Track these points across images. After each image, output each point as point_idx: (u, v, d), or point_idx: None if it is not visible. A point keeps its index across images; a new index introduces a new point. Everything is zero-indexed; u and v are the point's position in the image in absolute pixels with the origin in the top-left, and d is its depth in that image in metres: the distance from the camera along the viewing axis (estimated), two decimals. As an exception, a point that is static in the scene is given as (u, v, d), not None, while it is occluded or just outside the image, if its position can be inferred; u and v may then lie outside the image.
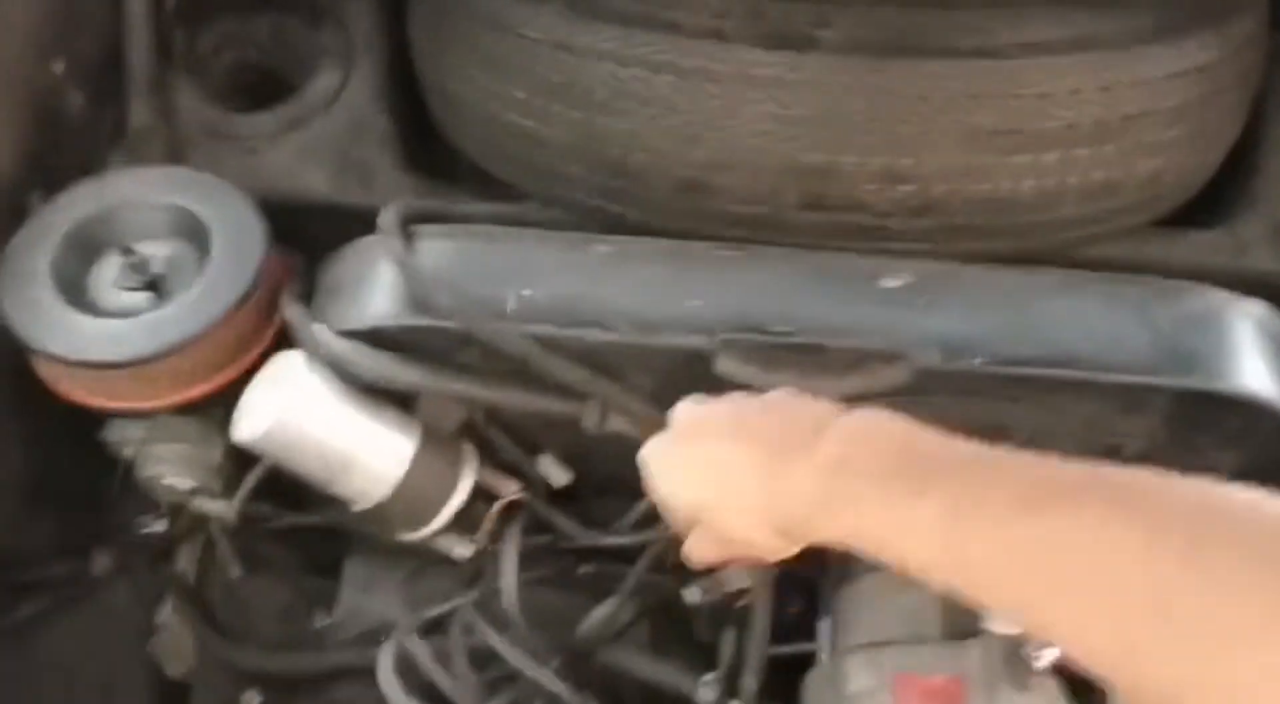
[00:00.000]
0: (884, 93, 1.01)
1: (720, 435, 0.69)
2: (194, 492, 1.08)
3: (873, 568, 1.00)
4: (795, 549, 0.68)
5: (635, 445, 1.00)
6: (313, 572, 1.34)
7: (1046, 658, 0.87)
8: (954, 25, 1.03)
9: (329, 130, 1.28)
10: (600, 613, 1.14)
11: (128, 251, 1.01)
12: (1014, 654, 0.90)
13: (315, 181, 1.25)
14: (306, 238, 1.18)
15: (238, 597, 1.35)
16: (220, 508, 1.09)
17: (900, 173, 1.03)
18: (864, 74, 1.00)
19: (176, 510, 1.23)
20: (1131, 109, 1.05)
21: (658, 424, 0.81)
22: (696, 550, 0.75)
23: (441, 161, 1.34)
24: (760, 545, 0.68)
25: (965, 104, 1.01)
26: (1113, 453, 0.97)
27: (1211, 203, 1.25)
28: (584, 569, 1.12)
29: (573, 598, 1.17)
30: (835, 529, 0.62)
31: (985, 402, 0.94)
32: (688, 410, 0.75)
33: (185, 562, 1.35)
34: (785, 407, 0.70)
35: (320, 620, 1.33)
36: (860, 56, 1.01)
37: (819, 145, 1.02)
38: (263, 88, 1.35)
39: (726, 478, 0.67)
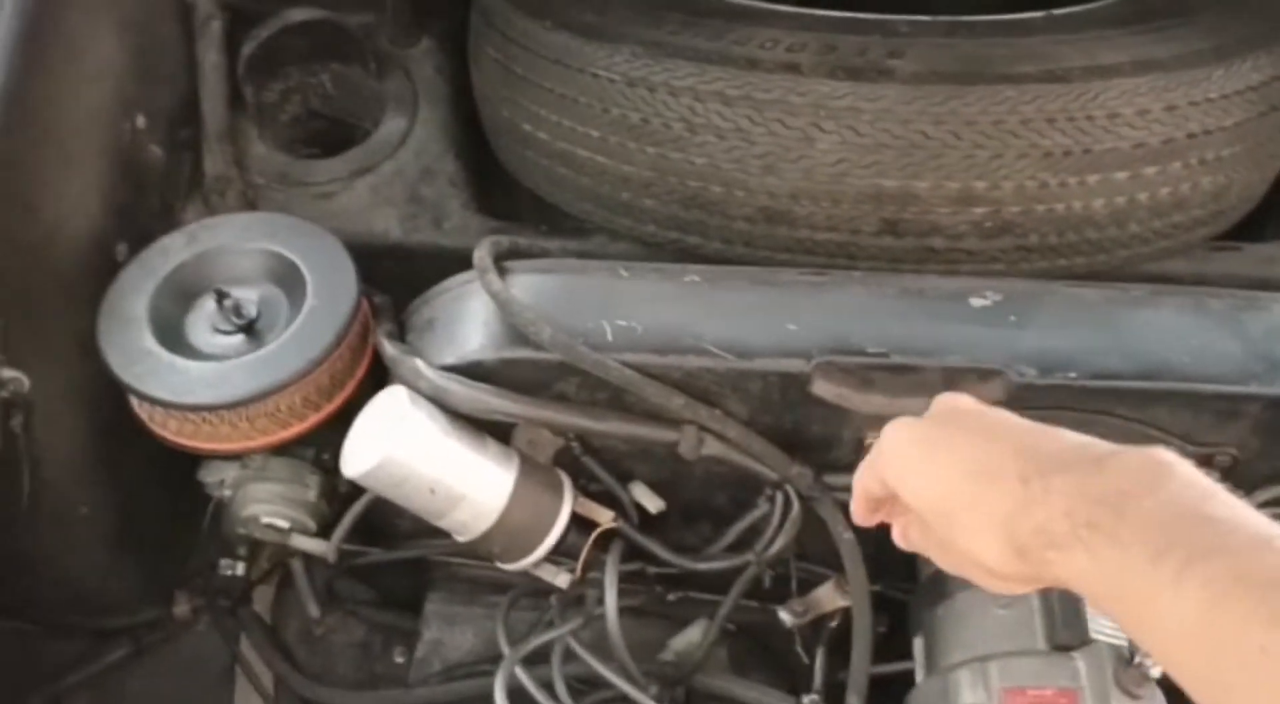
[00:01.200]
0: (958, 119, 1.03)
1: (989, 433, 0.59)
2: (290, 530, 1.09)
3: (966, 584, 1.01)
4: (1019, 586, 0.58)
5: (725, 470, 1.03)
6: (390, 608, 1.35)
7: (1159, 668, 0.88)
8: (1023, 52, 1.06)
9: (398, 173, 1.31)
10: (692, 636, 1.15)
11: (222, 295, 1.03)
12: (1123, 664, 0.91)
13: (387, 223, 1.28)
14: (378, 277, 1.20)
15: (315, 635, 1.36)
16: (318, 546, 1.10)
17: (975, 196, 1.05)
18: (938, 101, 1.03)
19: (255, 551, 1.25)
20: (1195, 127, 1.07)
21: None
22: (908, 541, 0.66)
23: (504, 201, 1.37)
24: (989, 563, 0.57)
25: (1039, 127, 1.04)
26: (1204, 463, 0.98)
27: (1269, 217, 1.28)
28: (673, 596, 1.13)
29: (661, 624, 1.18)
30: (1081, 573, 0.51)
31: (1078, 415, 0.95)
32: (954, 398, 0.65)
33: (262, 602, 1.36)
34: (1057, 430, 0.59)
35: (400, 656, 1.34)
36: (933, 84, 1.04)
37: (895, 172, 1.05)
38: (328, 136, 1.38)
39: (984, 477, 0.56)
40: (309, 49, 1.34)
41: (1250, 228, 1.23)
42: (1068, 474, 0.54)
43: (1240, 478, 1.00)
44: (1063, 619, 0.94)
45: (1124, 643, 0.92)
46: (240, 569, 1.29)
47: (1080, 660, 0.91)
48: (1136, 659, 0.89)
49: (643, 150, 1.11)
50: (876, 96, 1.03)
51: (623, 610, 1.15)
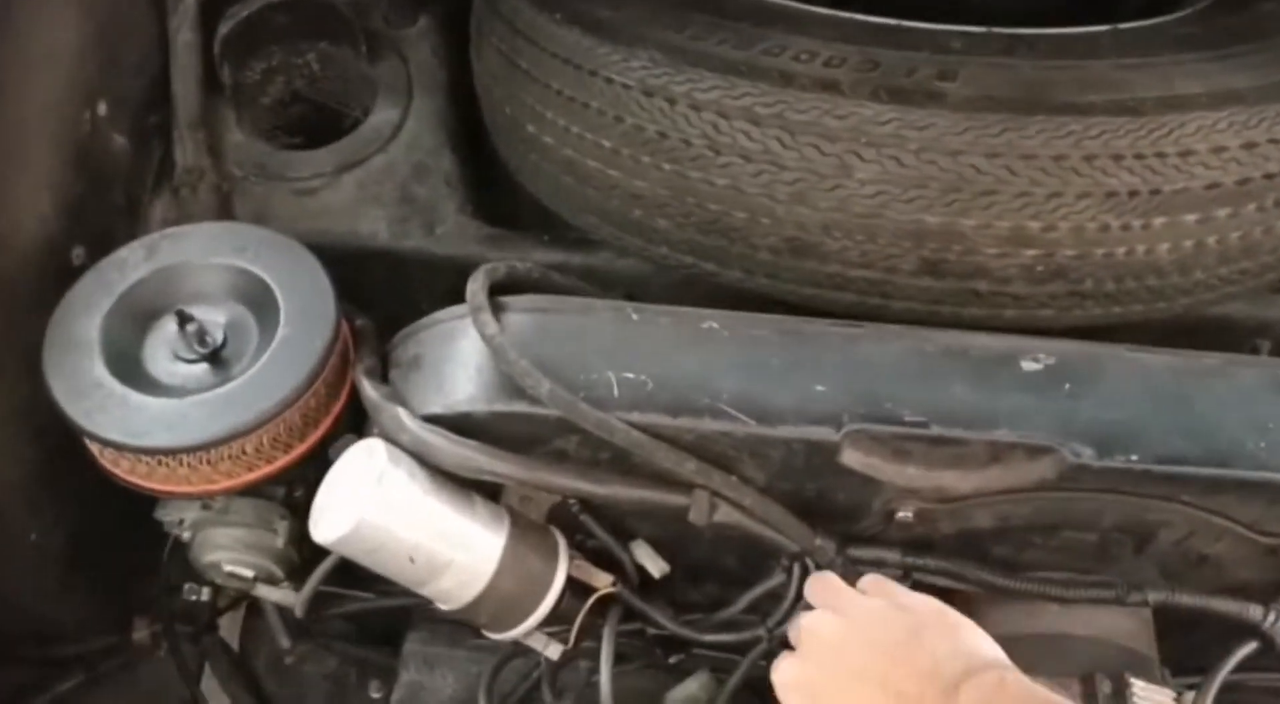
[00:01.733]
0: (1014, 152, 0.92)
1: (856, 675, 0.74)
2: (255, 579, 1.00)
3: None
4: None
5: (738, 535, 0.93)
6: (366, 643, 1.26)
7: None
8: (1090, 78, 0.94)
9: (388, 169, 1.20)
10: (691, 689, 1.06)
11: (185, 318, 0.92)
12: None
13: (374, 225, 1.17)
14: (360, 285, 1.10)
15: (286, 665, 1.27)
16: (285, 596, 1.00)
17: (1028, 237, 0.94)
18: (993, 132, 0.92)
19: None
20: (1275, 167, 0.96)
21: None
22: None
23: (504, 202, 1.26)
24: None
25: (1104, 164, 0.92)
26: (1273, 553, 0.88)
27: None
28: (674, 659, 1.03)
29: (658, 675, 1.09)
30: None
31: (1139, 500, 0.85)
32: (814, 627, 0.79)
33: (229, 630, 1.27)
34: (918, 639, 0.74)
35: (376, 691, 1.25)
36: (988, 112, 0.92)
37: (940, 207, 0.94)
38: (313, 124, 1.26)
39: None
40: (294, 26, 1.22)
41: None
42: None
43: (1308, 569, 0.91)
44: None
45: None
46: (206, 595, 1.19)
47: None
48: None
49: (658, 166, 0.99)
50: (924, 124, 0.92)
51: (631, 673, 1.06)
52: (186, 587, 1.19)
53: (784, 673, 0.78)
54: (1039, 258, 0.96)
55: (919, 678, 0.71)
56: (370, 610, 1.11)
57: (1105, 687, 0.86)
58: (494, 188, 1.25)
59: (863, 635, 0.76)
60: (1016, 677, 0.71)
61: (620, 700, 0.95)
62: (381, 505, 0.83)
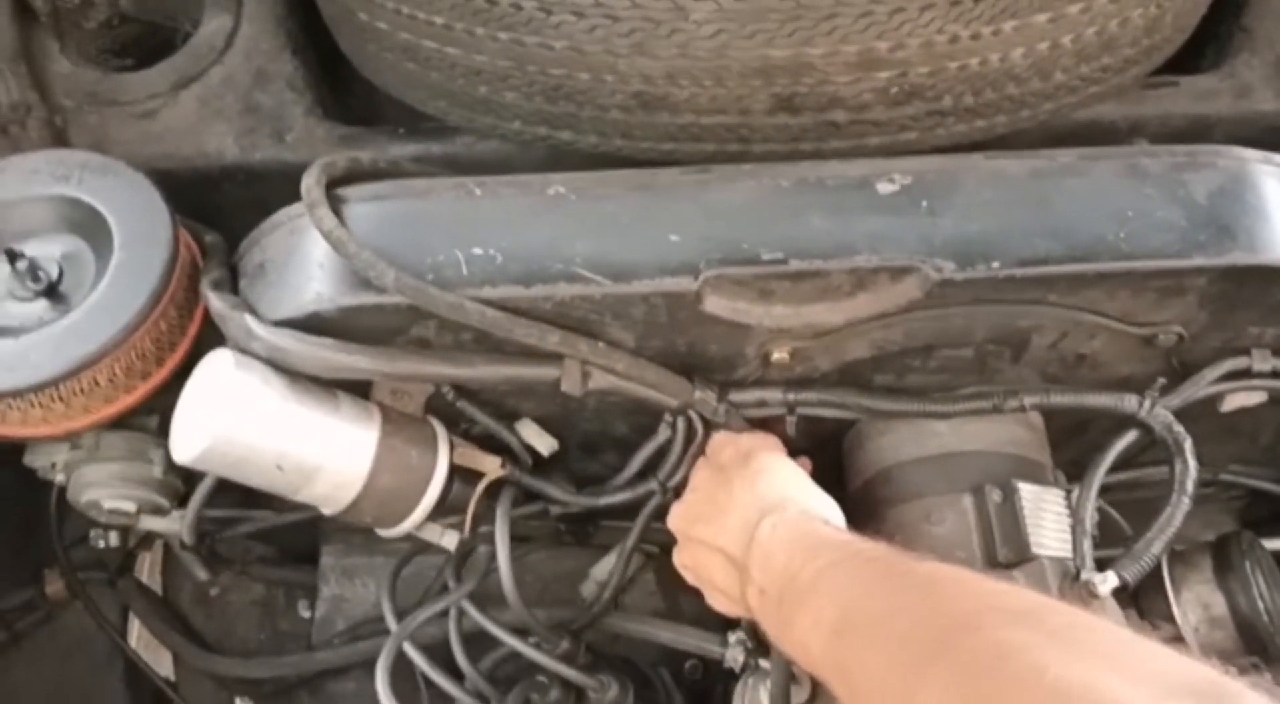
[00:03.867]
0: (850, -31, 0.88)
1: (699, 542, 0.85)
2: (139, 512, 0.97)
3: (897, 503, 0.92)
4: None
5: (620, 400, 0.91)
6: (287, 563, 1.25)
7: (1108, 585, 0.80)
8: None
9: (227, 80, 1.14)
10: (600, 570, 1.06)
11: (15, 256, 0.88)
12: (1069, 580, 0.82)
13: (220, 141, 1.12)
14: (217, 207, 1.06)
15: (210, 599, 1.26)
16: (171, 525, 0.98)
17: (877, 59, 0.91)
18: (824, -50, 0.88)
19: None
20: (1122, -48, 0.93)
21: None
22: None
23: (359, 103, 1.21)
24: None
25: (943, -29, 0.89)
26: (1149, 344, 0.88)
27: (1205, 45, 1.15)
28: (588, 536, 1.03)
29: (581, 553, 1.09)
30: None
31: (1008, 307, 0.84)
32: (677, 519, 0.89)
33: (147, 572, 1.25)
34: (728, 495, 0.84)
35: (306, 610, 1.24)
36: (817, -69, 0.88)
37: (784, 39, 0.90)
38: (144, 44, 1.20)
39: (714, 583, 0.85)
40: (104, -58, 1.15)
41: (1186, 59, 1.11)
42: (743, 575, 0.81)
43: (1188, 356, 0.90)
44: (1001, 535, 0.85)
45: (1068, 556, 0.83)
46: (114, 538, 1.17)
47: (1021, 578, 0.83)
48: (1084, 575, 0.81)
49: (494, 37, 0.95)
50: (753, -50, 0.88)
51: (537, 548, 1.05)
52: (93, 533, 1.16)
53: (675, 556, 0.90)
54: (892, 79, 0.93)
55: (732, 533, 0.81)
56: (271, 528, 1.09)
57: (995, 495, 0.86)
58: (348, 87, 1.20)
59: (693, 509, 0.87)
60: (798, 508, 0.80)
61: (545, 582, 0.95)
62: (235, 416, 0.80)
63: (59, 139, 1.11)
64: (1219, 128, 1.09)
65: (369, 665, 1.16)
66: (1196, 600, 0.89)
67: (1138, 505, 0.96)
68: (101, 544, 1.16)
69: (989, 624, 0.54)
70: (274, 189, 1.12)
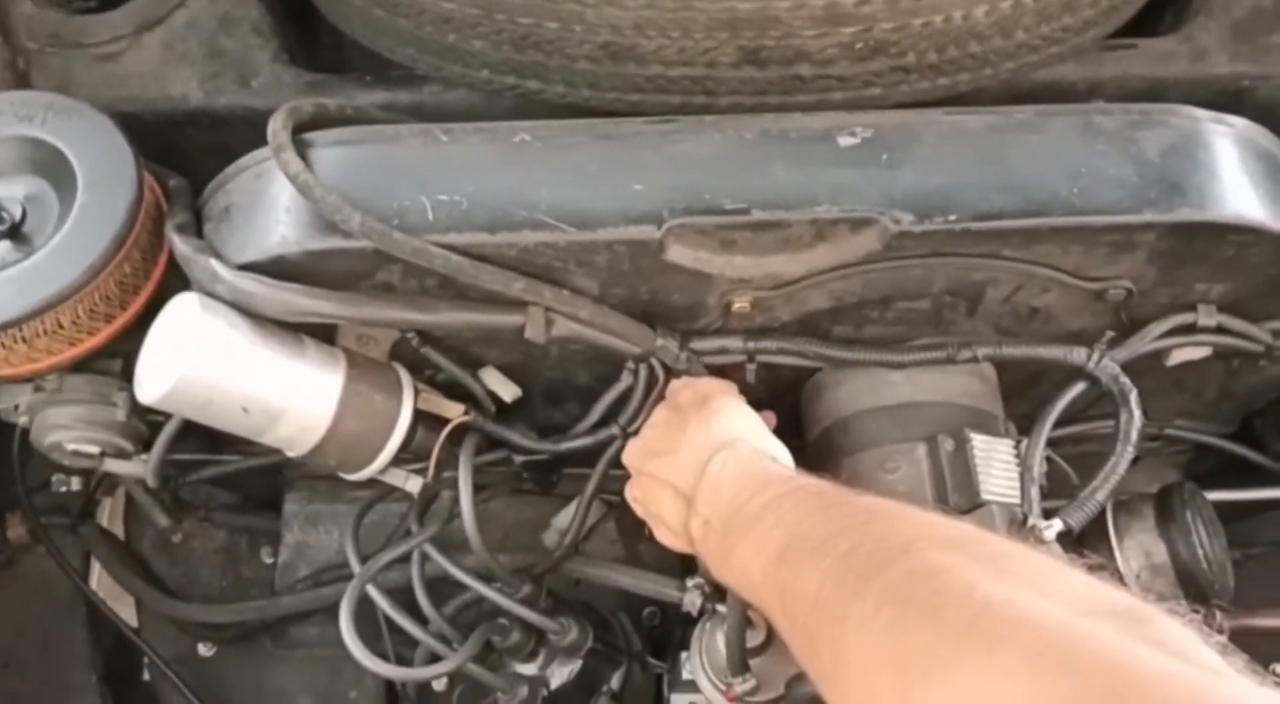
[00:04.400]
0: (815, -78, 0.89)
1: (654, 479, 0.87)
2: (102, 455, 0.97)
3: (852, 450, 0.94)
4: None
5: (583, 348, 0.92)
6: (249, 510, 1.26)
7: (1053, 530, 0.82)
8: None
9: (191, 24, 1.13)
10: (562, 519, 1.08)
11: (-23, 196, 0.88)
12: (1016, 525, 0.85)
13: (184, 85, 1.11)
14: (181, 151, 1.05)
15: (173, 546, 1.27)
16: (135, 468, 0.98)
17: (842, 14, 0.92)
18: (789, -99, 0.88)
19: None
20: (1085, -88, 0.95)
21: None
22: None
23: (325, 49, 1.20)
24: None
25: (908, -75, 0.90)
26: (1099, 298, 0.90)
27: (1163, 8, 1.16)
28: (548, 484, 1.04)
29: (543, 502, 1.11)
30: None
31: (964, 260, 0.86)
32: (631, 454, 0.91)
33: (108, 517, 1.25)
34: (684, 435, 0.85)
35: (269, 557, 1.25)
36: (782, -119, 0.89)
37: (750, -10, 0.91)
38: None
39: (662, 517, 0.87)
40: (63, -121, 1.13)
41: (1145, 22, 1.12)
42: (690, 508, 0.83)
43: (1136, 311, 0.92)
44: (953, 482, 0.87)
45: (1016, 502, 0.86)
46: (76, 484, 1.18)
47: (971, 523, 0.85)
48: (1030, 521, 0.83)
49: (463, -17, 0.95)
50: (719, -100, 0.88)
51: (500, 494, 1.07)
52: (55, 478, 1.17)
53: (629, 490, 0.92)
54: (857, 34, 0.93)
55: (685, 470, 0.83)
56: (240, 471, 1.09)
57: (947, 445, 0.88)
58: (314, 33, 1.19)
59: (648, 445, 0.89)
60: (749, 446, 0.82)
61: (506, 529, 0.96)
62: (201, 358, 0.81)
63: (21, 81, 1.10)
64: (1175, 90, 1.10)
65: (331, 611, 1.17)
66: (1139, 548, 0.92)
67: (1085, 459, 0.99)
68: (64, 489, 1.17)
69: (922, 548, 0.57)
70: (238, 135, 1.12)
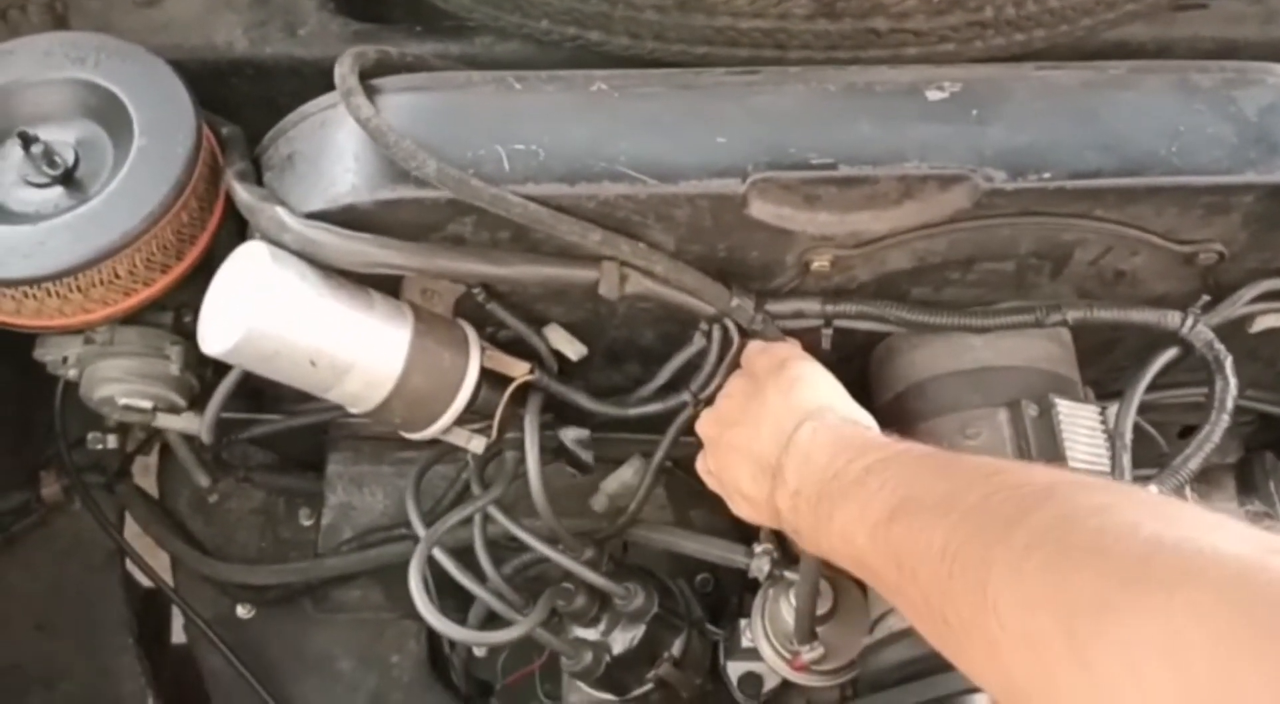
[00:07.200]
0: None
1: (732, 448, 0.84)
2: (154, 409, 0.95)
3: (929, 415, 0.92)
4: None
5: (652, 307, 0.90)
6: (290, 471, 1.23)
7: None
8: None
9: None
10: (625, 476, 1.05)
11: (29, 139, 0.84)
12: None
13: (229, 33, 1.07)
14: (223, 101, 1.02)
15: (210, 504, 1.24)
16: (189, 424, 0.95)
17: (924, -36, 0.89)
18: None
19: (126, 422, 1.10)
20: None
21: None
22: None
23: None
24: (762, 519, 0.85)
25: (994, -120, 0.87)
26: (1188, 262, 0.88)
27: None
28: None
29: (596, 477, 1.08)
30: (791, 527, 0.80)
31: (1055, 220, 0.83)
32: (707, 424, 0.89)
33: (143, 475, 1.23)
34: (762, 403, 0.83)
35: (307, 519, 1.23)
36: None
37: (830, -60, 0.88)
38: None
39: (740, 489, 0.84)
40: None
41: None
42: (775, 481, 0.80)
43: (1223, 275, 0.90)
44: (1038, 449, 0.85)
45: (1104, 468, 0.84)
46: (113, 441, 1.14)
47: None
48: (1118, 489, 0.81)
49: (524, -75, 0.91)
50: None
51: (546, 461, 1.04)
52: (91, 436, 1.14)
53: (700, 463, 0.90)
54: (936, -12, 0.91)
55: (766, 439, 0.80)
56: (283, 431, 1.07)
57: (1031, 410, 0.86)
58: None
59: (725, 415, 0.86)
60: (836, 414, 0.80)
61: (554, 494, 0.94)
62: (271, 310, 0.78)
63: (59, 24, 1.06)
64: (1245, 52, 1.07)
65: (374, 574, 1.16)
66: (1218, 518, 0.90)
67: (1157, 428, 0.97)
68: (99, 447, 1.14)
69: (1066, 491, 0.53)
70: (283, 86, 1.08)
